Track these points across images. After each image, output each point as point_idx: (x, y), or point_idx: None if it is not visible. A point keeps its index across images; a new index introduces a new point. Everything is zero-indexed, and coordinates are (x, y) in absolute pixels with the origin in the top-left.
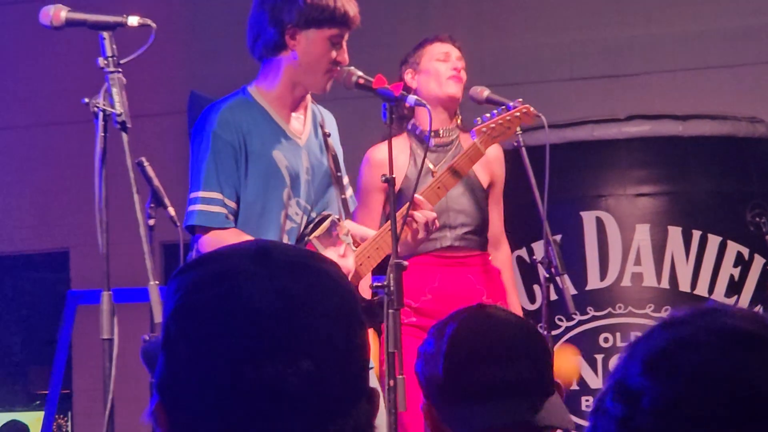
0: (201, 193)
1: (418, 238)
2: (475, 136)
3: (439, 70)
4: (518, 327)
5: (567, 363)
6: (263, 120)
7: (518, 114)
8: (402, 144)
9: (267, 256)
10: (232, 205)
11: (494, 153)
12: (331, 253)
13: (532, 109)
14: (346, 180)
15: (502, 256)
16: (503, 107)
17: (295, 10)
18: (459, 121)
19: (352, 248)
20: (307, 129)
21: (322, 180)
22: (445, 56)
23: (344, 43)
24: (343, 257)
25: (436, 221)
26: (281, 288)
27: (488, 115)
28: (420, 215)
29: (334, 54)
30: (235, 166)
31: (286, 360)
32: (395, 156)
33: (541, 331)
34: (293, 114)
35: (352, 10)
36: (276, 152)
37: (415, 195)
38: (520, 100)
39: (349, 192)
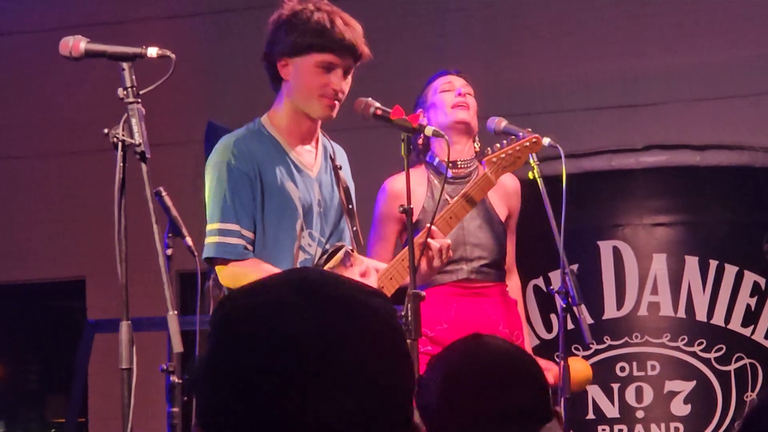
0: (218, 225)
1: (433, 265)
2: (486, 166)
3: (445, 100)
4: (513, 355)
5: (578, 364)
6: (276, 151)
7: (527, 144)
8: (419, 175)
9: (310, 288)
10: (250, 235)
11: (512, 185)
12: (351, 275)
13: (544, 140)
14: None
15: (513, 286)
16: (512, 137)
17: (284, 40)
18: (477, 152)
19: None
20: (318, 161)
21: (335, 212)
22: (449, 86)
23: (340, 71)
24: (364, 276)
25: (450, 249)
26: (325, 324)
27: (498, 145)
28: (434, 243)
29: (323, 79)
30: (251, 196)
31: (329, 397)
32: (413, 187)
33: (559, 362)
34: (305, 146)
35: (349, 36)
36: (289, 183)
37: (431, 226)
38: (529, 129)
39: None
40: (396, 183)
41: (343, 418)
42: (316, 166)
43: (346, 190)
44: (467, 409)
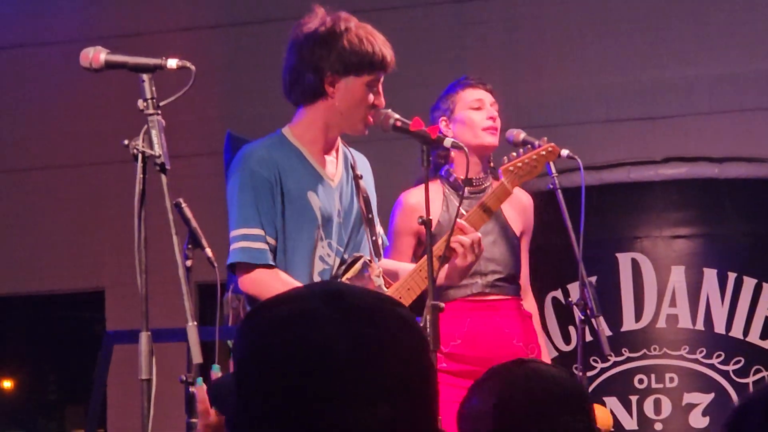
0: (243, 230)
1: (467, 261)
2: (502, 175)
3: (474, 120)
4: (564, 381)
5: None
6: (298, 161)
7: (544, 152)
8: (435, 190)
9: (342, 298)
10: (273, 242)
11: (527, 202)
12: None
13: (563, 152)
14: (377, 220)
15: (529, 306)
16: (529, 146)
17: (335, 57)
18: (491, 166)
19: (383, 289)
20: (339, 171)
21: (354, 222)
22: (479, 103)
23: (380, 86)
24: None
25: (481, 243)
26: (355, 331)
27: (514, 154)
28: (464, 238)
29: (372, 98)
30: (273, 203)
31: (364, 404)
32: (432, 200)
33: (577, 375)
34: (326, 156)
35: (389, 54)
36: (310, 193)
37: (458, 220)
38: (545, 138)
39: (380, 230)
40: (412, 197)
41: (380, 425)
42: (337, 175)
43: (366, 200)
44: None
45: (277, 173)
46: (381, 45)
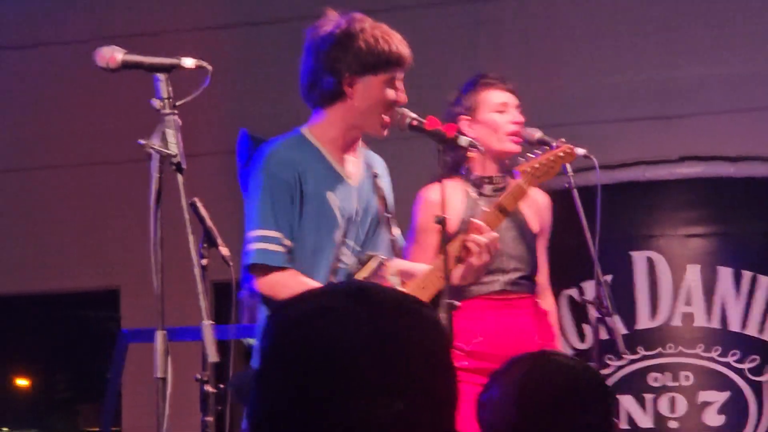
0: (259, 232)
1: (481, 261)
2: (519, 176)
3: (498, 123)
4: (586, 373)
5: None
6: (317, 160)
7: (561, 154)
8: (456, 187)
9: (366, 295)
10: (289, 243)
11: (544, 201)
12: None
13: (578, 150)
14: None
15: (548, 306)
16: (546, 147)
17: (351, 58)
18: (505, 169)
19: (399, 288)
20: (359, 170)
21: (372, 221)
22: (504, 107)
23: (400, 83)
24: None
25: (497, 242)
26: (379, 327)
27: (531, 155)
28: (481, 238)
29: (392, 95)
30: (291, 204)
31: (379, 398)
32: (450, 198)
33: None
34: (345, 156)
35: (406, 51)
36: (329, 193)
37: (473, 220)
38: (563, 140)
39: (397, 232)
40: (432, 193)
41: (393, 419)
42: (356, 175)
43: (384, 199)
44: (543, 428)
45: (296, 174)
46: (397, 43)
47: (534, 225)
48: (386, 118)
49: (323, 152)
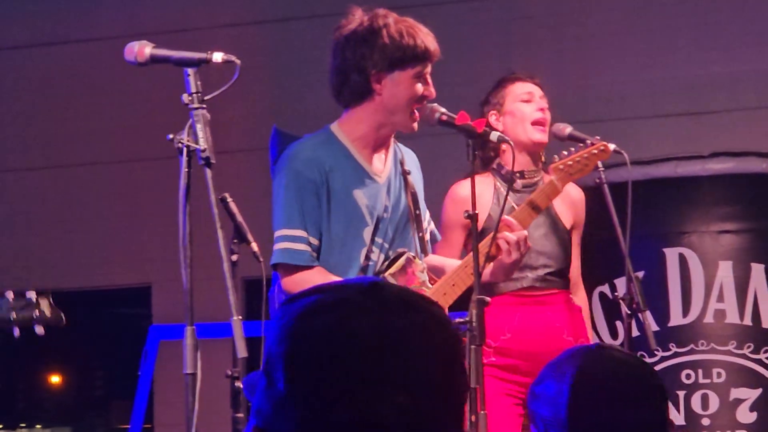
0: (285, 231)
1: (512, 259)
2: (552, 173)
3: (524, 111)
4: (640, 368)
5: None
6: (344, 158)
7: (596, 151)
8: (487, 182)
9: (379, 291)
10: (316, 242)
11: (578, 196)
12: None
13: (610, 146)
14: (427, 215)
15: (579, 302)
16: (581, 144)
17: (377, 54)
18: (542, 162)
19: (427, 285)
20: (387, 167)
21: (401, 218)
22: (529, 96)
23: (429, 77)
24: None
25: (528, 241)
26: (388, 323)
27: (565, 152)
28: (511, 235)
29: (420, 89)
30: (317, 204)
31: (384, 392)
32: (479, 193)
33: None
34: (375, 153)
35: (432, 44)
36: (357, 191)
37: (504, 217)
38: (598, 137)
39: (431, 226)
40: (462, 188)
41: (397, 414)
42: (384, 172)
43: (414, 196)
44: (599, 423)
45: (323, 173)
46: (423, 36)
47: (567, 220)
48: (416, 112)
49: (351, 150)
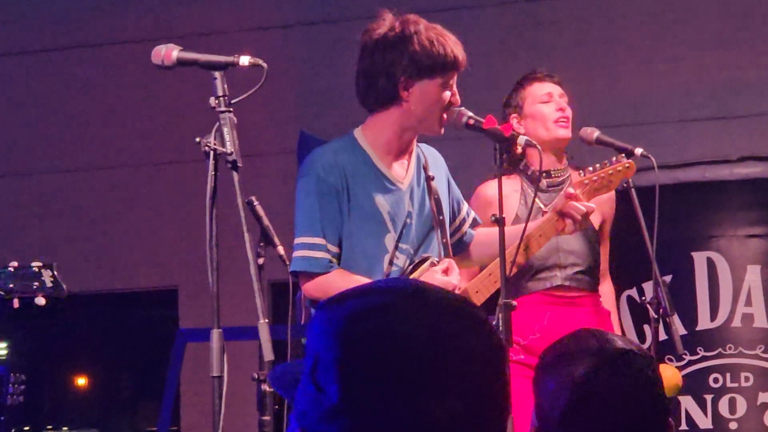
0: (304, 239)
1: (576, 225)
2: (577, 187)
3: (544, 112)
4: (640, 373)
5: (668, 371)
6: (365, 165)
7: (620, 168)
8: (513, 184)
9: (423, 296)
10: (335, 249)
11: (603, 195)
12: (429, 275)
13: (637, 151)
14: (465, 206)
15: (606, 291)
16: (606, 162)
17: (407, 61)
18: (567, 161)
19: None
20: (410, 173)
21: (425, 223)
22: (548, 96)
23: (455, 85)
24: (446, 273)
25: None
26: (435, 328)
27: (590, 168)
28: (580, 206)
29: (447, 97)
30: (338, 210)
31: (437, 399)
32: (506, 195)
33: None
34: (398, 159)
35: (461, 53)
36: (378, 197)
37: (569, 189)
38: (623, 155)
39: (470, 216)
40: (489, 189)
41: (451, 419)
42: (407, 178)
43: (438, 201)
44: (593, 422)
45: (344, 179)
46: (452, 45)
47: (595, 219)
48: (444, 117)
49: (372, 157)
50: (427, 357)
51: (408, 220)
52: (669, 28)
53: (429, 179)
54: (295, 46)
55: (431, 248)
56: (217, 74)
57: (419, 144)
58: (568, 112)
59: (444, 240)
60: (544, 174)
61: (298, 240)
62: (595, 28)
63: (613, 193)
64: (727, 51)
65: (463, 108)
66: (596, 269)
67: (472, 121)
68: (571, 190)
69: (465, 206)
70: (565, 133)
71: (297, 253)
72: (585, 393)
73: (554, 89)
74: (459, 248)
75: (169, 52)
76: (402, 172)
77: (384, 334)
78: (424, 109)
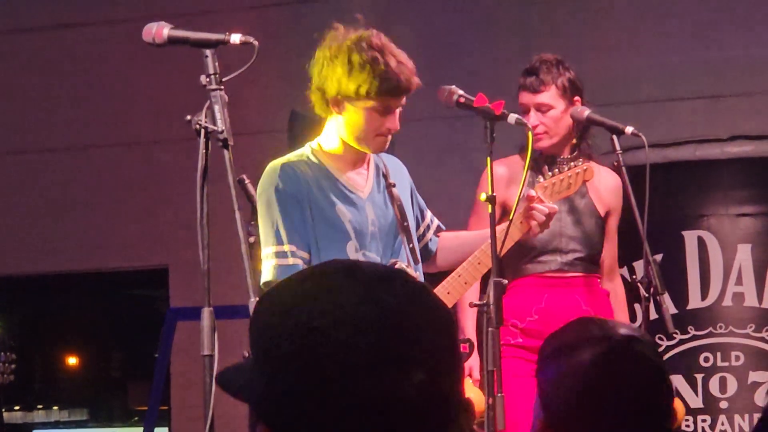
0: (275, 248)
1: (541, 227)
2: (538, 190)
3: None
4: (644, 360)
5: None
6: (323, 176)
7: (579, 171)
8: (518, 165)
9: (358, 271)
10: (306, 255)
11: (614, 183)
12: None
13: (627, 129)
14: (428, 214)
15: (617, 289)
16: (564, 165)
17: (336, 82)
18: (577, 150)
19: None
20: (369, 182)
21: (389, 231)
22: (524, 107)
23: (396, 111)
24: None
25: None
26: (379, 300)
27: (550, 173)
28: (543, 207)
29: (380, 122)
30: (302, 217)
31: (400, 371)
32: (513, 175)
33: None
34: (355, 168)
35: (404, 77)
36: (339, 207)
37: (531, 192)
38: (582, 159)
39: (434, 223)
40: (497, 168)
41: (416, 391)
42: (366, 187)
43: (401, 208)
44: (600, 410)
45: (305, 188)
46: (396, 69)
47: (601, 207)
48: (379, 143)
49: (330, 169)
50: (382, 331)
51: (372, 228)
52: (659, 7)
53: (390, 186)
54: (286, 24)
55: (399, 255)
56: (208, 52)
57: (381, 154)
58: (545, 121)
59: (411, 245)
60: (549, 159)
61: (266, 251)
62: (585, 9)
63: (619, 183)
64: (718, 30)
65: (454, 86)
66: (596, 255)
67: (462, 99)
68: (533, 193)
69: (428, 214)
70: (542, 144)
71: (269, 263)
72: (593, 380)
73: (530, 100)
74: (425, 254)
75: (160, 30)
76: (361, 181)
77: (325, 316)
78: (354, 128)
